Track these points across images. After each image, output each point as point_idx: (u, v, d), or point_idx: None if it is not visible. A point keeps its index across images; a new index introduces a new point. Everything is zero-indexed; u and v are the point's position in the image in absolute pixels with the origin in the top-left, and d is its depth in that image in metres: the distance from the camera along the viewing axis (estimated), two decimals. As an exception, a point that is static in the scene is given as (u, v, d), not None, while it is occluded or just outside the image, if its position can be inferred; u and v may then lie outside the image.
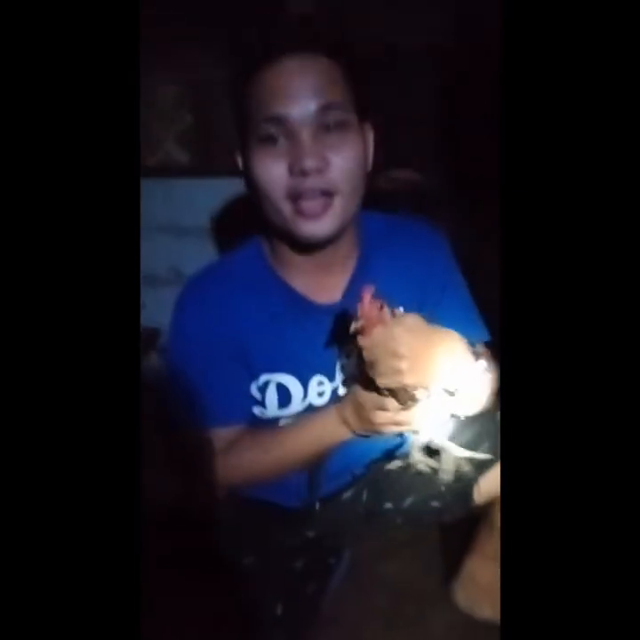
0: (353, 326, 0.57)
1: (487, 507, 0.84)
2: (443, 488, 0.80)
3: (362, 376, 0.60)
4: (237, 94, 0.63)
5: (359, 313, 0.56)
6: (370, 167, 0.68)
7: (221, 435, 0.72)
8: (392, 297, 0.72)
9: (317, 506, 0.82)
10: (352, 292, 0.73)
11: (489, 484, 0.79)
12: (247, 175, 0.65)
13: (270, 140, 0.60)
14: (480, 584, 0.95)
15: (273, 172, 0.61)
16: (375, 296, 0.57)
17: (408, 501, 0.82)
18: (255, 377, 0.73)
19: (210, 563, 0.80)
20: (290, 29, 0.60)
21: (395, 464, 0.78)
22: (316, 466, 0.78)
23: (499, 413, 0.78)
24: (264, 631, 0.71)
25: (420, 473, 0.77)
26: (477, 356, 0.61)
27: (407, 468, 0.77)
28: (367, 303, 0.56)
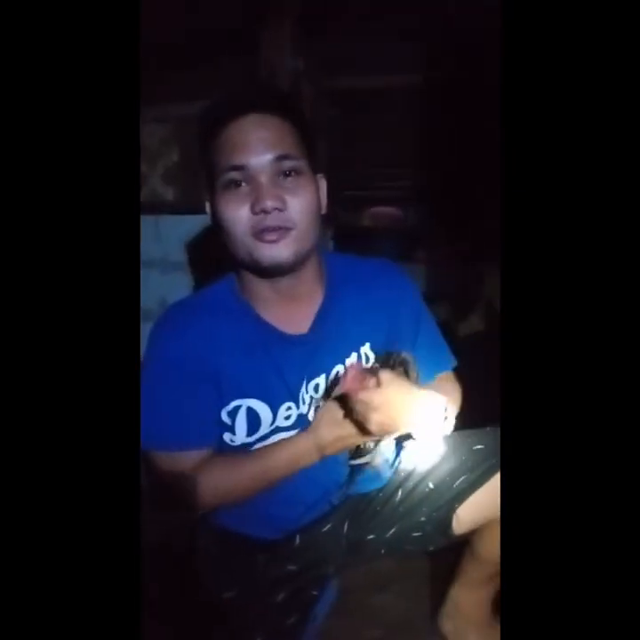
0: (336, 392, 0.68)
1: (469, 535, 0.86)
2: (423, 518, 0.82)
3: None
4: (205, 147, 0.72)
5: (343, 386, 0.67)
6: (324, 210, 0.76)
7: (192, 456, 0.75)
8: (359, 330, 0.80)
9: (298, 539, 0.83)
10: (320, 324, 0.78)
11: (467, 513, 0.81)
12: (214, 217, 0.73)
13: (234, 185, 0.69)
14: (465, 612, 0.96)
15: (237, 212, 0.69)
16: (359, 368, 0.68)
17: (390, 532, 0.84)
18: (226, 403, 0.75)
19: (190, 595, 0.80)
20: (250, 93, 0.72)
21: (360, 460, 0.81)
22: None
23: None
24: None
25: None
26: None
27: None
28: (350, 378, 0.66)
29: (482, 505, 0.80)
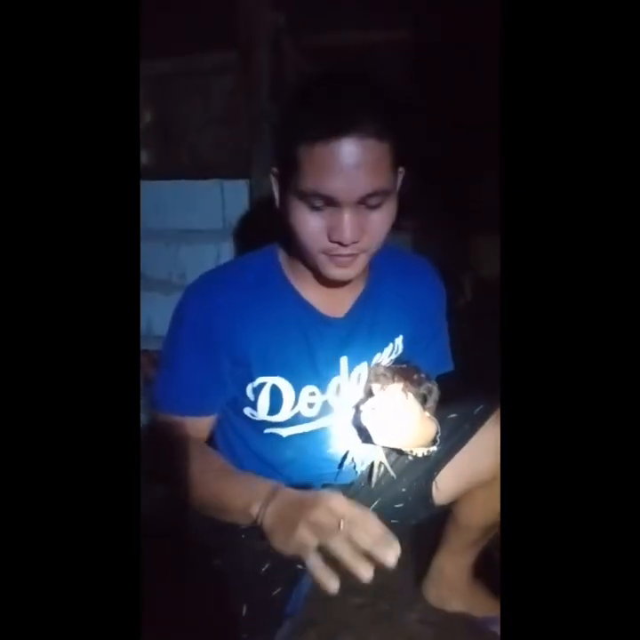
0: (366, 405, 0.68)
1: (451, 505, 0.89)
2: (404, 489, 0.85)
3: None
4: (288, 150, 0.64)
5: (377, 399, 0.68)
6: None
7: (197, 423, 0.76)
8: (394, 322, 0.82)
9: None
10: (358, 310, 0.79)
11: (446, 482, 0.84)
12: (283, 212, 0.69)
13: (314, 208, 0.64)
14: (448, 579, 1.00)
15: (312, 231, 0.66)
16: None
17: (373, 505, 0.86)
18: (253, 378, 0.76)
19: (177, 564, 0.81)
20: (345, 109, 0.60)
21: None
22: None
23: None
24: (228, 631, 0.73)
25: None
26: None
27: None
28: (386, 397, 0.68)
29: (459, 473, 0.84)
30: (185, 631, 0.73)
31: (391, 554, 0.51)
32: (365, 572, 0.51)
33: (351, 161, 0.60)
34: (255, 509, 0.62)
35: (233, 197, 1.48)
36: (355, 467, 0.84)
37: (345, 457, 0.84)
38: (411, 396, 0.69)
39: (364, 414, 0.70)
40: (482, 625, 0.99)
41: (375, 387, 0.69)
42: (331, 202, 0.62)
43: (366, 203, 0.63)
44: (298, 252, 0.72)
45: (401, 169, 0.69)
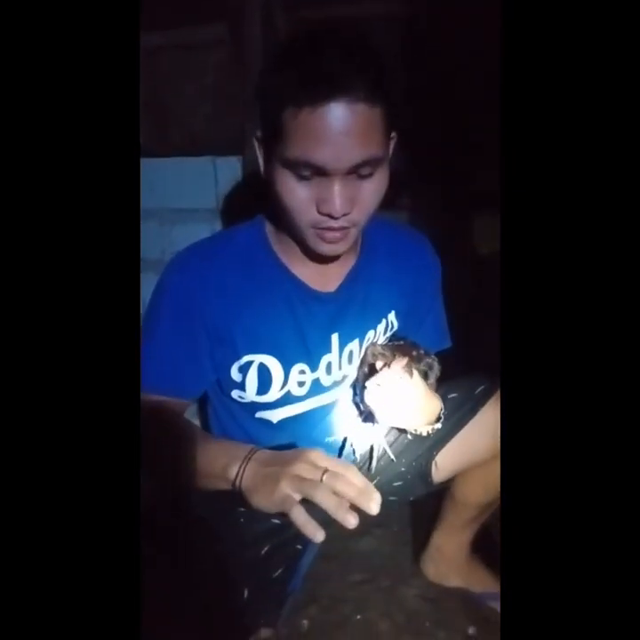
0: (370, 382, 0.65)
1: (448, 482, 0.90)
2: (403, 468, 0.86)
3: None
4: (272, 117, 0.60)
5: (382, 376, 0.65)
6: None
7: (176, 403, 0.74)
8: (387, 297, 0.80)
9: None
10: (349, 285, 0.77)
11: (445, 461, 0.85)
12: (269, 183, 0.65)
13: (303, 178, 0.61)
14: (447, 556, 1.02)
15: (302, 203, 0.63)
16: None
17: (372, 484, 0.87)
18: (238, 357, 0.74)
19: (176, 550, 0.82)
20: (333, 71, 0.56)
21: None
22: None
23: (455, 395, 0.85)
24: (231, 615, 0.74)
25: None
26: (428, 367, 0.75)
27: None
28: (392, 374, 0.65)
29: (458, 452, 0.84)
30: (187, 617, 0.74)
31: (374, 503, 0.52)
32: (352, 520, 0.51)
33: (340, 127, 0.56)
34: (234, 470, 0.61)
35: (226, 175, 1.46)
36: (354, 452, 0.84)
37: (344, 444, 0.84)
38: (415, 372, 0.68)
39: (369, 393, 0.68)
40: (481, 600, 1.00)
41: (378, 364, 0.68)
42: (319, 171, 0.59)
43: (357, 172, 0.60)
44: (285, 225, 0.69)
45: (393, 134, 0.66)
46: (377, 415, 0.70)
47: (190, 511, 0.86)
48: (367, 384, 0.67)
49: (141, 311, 0.69)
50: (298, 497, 0.54)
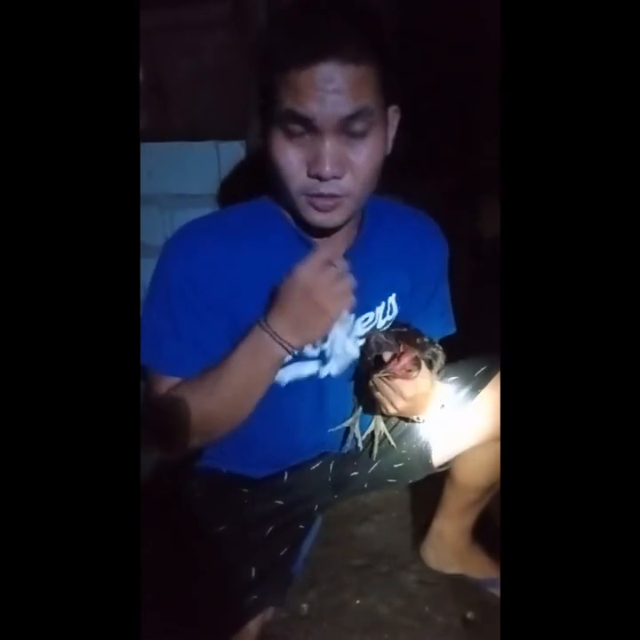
0: (380, 374, 0.66)
1: (448, 465, 0.90)
2: (404, 451, 0.86)
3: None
4: (265, 77, 0.62)
5: (390, 369, 0.65)
6: (389, 151, 0.70)
7: (165, 382, 0.73)
8: (387, 279, 0.80)
9: (286, 476, 0.87)
10: (349, 264, 0.76)
11: (447, 444, 0.85)
12: (265, 148, 0.66)
13: (293, 134, 0.62)
14: (447, 542, 1.02)
15: (292, 166, 0.63)
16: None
17: (373, 467, 0.88)
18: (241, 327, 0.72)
19: (182, 533, 0.83)
20: (324, 30, 0.58)
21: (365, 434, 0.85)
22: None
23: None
24: (240, 594, 0.75)
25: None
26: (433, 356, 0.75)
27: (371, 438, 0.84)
28: (400, 367, 0.65)
29: (460, 435, 0.84)
30: (193, 599, 0.75)
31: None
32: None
33: (328, 86, 0.58)
34: (272, 348, 0.66)
35: (229, 159, 1.45)
36: (357, 442, 0.84)
37: (347, 433, 0.84)
38: (423, 365, 0.68)
39: (375, 384, 0.69)
40: (481, 586, 1.01)
41: (385, 355, 0.66)
42: (309, 126, 0.60)
43: (348, 129, 0.61)
44: (281, 200, 0.69)
45: (395, 107, 0.67)
46: (382, 406, 0.70)
47: (193, 494, 0.87)
48: (374, 376, 0.67)
49: (141, 297, 0.69)
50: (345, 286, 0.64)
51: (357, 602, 1.00)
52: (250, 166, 1.41)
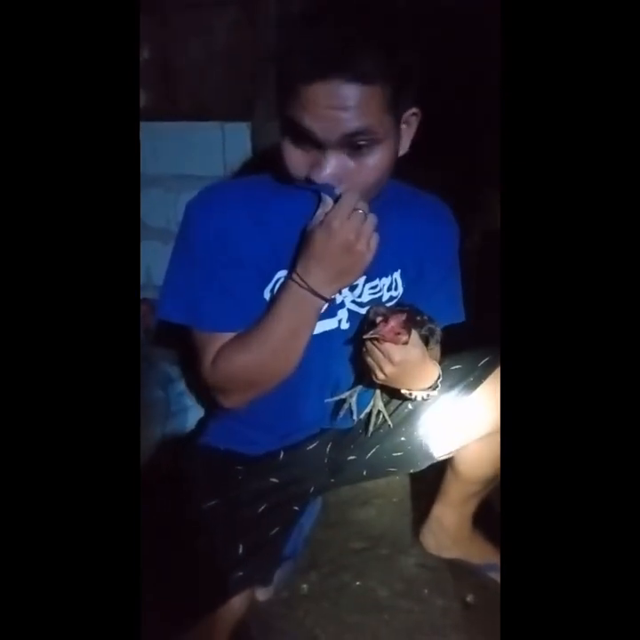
0: (370, 334, 0.67)
1: (449, 455, 0.91)
2: (403, 438, 0.87)
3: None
4: (283, 87, 0.63)
5: (379, 332, 0.66)
6: (404, 151, 0.70)
7: (216, 340, 0.75)
8: (394, 255, 0.80)
9: (282, 455, 0.88)
10: None
11: (447, 434, 0.86)
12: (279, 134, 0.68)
13: (299, 139, 0.64)
14: (447, 529, 1.03)
15: (296, 162, 0.66)
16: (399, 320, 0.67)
17: (371, 453, 0.88)
18: (270, 279, 0.75)
19: (171, 507, 0.84)
20: (333, 47, 0.58)
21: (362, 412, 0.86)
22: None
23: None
24: (226, 570, 0.76)
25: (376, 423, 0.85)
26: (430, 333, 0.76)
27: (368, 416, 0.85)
28: (388, 329, 0.66)
29: (461, 424, 0.85)
30: (182, 570, 0.76)
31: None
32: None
33: (332, 102, 0.59)
34: (303, 296, 0.69)
35: (235, 141, 1.44)
36: (352, 414, 0.85)
37: (342, 403, 0.84)
38: (414, 333, 0.69)
39: (366, 348, 0.70)
40: (480, 570, 1.02)
41: (378, 319, 0.68)
42: (312, 140, 0.62)
43: (351, 144, 0.62)
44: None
45: (414, 110, 0.67)
46: (372, 371, 0.71)
47: (187, 466, 0.88)
48: (365, 336, 0.68)
49: (141, 280, 0.69)
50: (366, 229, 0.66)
51: (357, 583, 1.02)
52: (255, 148, 1.40)
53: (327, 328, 0.79)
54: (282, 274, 0.74)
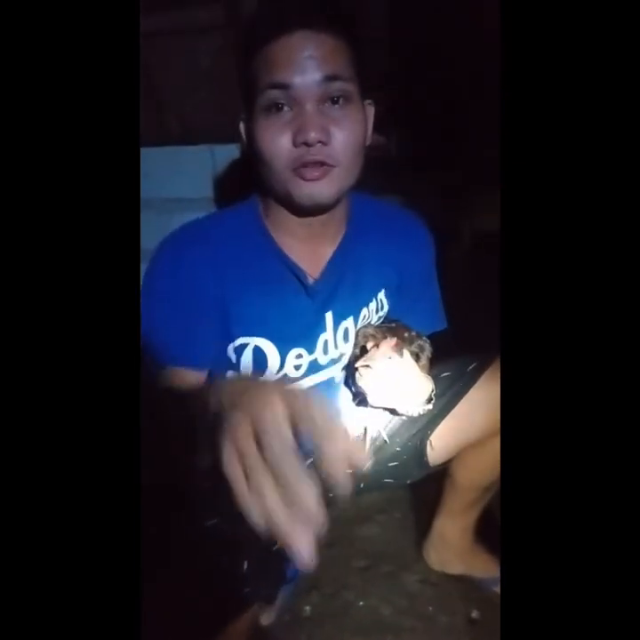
0: (360, 363, 0.67)
1: (445, 463, 0.90)
2: (398, 448, 0.87)
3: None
4: (245, 64, 0.66)
5: (372, 357, 0.66)
6: (369, 141, 0.72)
7: (195, 375, 0.74)
8: (376, 276, 0.81)
9: None
10: (335, 265, 0.77)
11: (440, 441, 0.86)
12: (250, 145, 0.70)
13: (275, 108, 0.64)
14: (449, 542, 1.03)
15: (276, 142, 0.65)
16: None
17: (367, 465, 0.87)
18: (232, 338, 0.75)
19: (174, 526, 0.83)
20: (301, 7, 0.63)
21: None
22: None
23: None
24: (231, 587, 0.76)
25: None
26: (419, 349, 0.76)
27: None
28: (381, 353, 0.66)
29: (453, 430, 0.85)
30: (185, 587, 0.76)
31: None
32: None
33: (303, 53, 0.62)
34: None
35: (224, 163, 1.46)
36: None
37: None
38: (405, 353, 0.69)
39: (359, 374, 0.70)
40: (483, 585, 1.02)
41: (368, 345, 0.69)
42: (289, 96, 0.63)
43: (327, 92, 0.63)
44: (269, 186, 0.70)
45: (370, 101, 0.70)
46: (368, 396, 0.71)
47: (186, 485, 0.88)
48: (357, 365, 0.68)
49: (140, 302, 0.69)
50: None
51: (360, 603, 1.01)
52: (245, 169, 1.42)
53: (332, 375, 0.81)
54: (245, 340, 0.74)
